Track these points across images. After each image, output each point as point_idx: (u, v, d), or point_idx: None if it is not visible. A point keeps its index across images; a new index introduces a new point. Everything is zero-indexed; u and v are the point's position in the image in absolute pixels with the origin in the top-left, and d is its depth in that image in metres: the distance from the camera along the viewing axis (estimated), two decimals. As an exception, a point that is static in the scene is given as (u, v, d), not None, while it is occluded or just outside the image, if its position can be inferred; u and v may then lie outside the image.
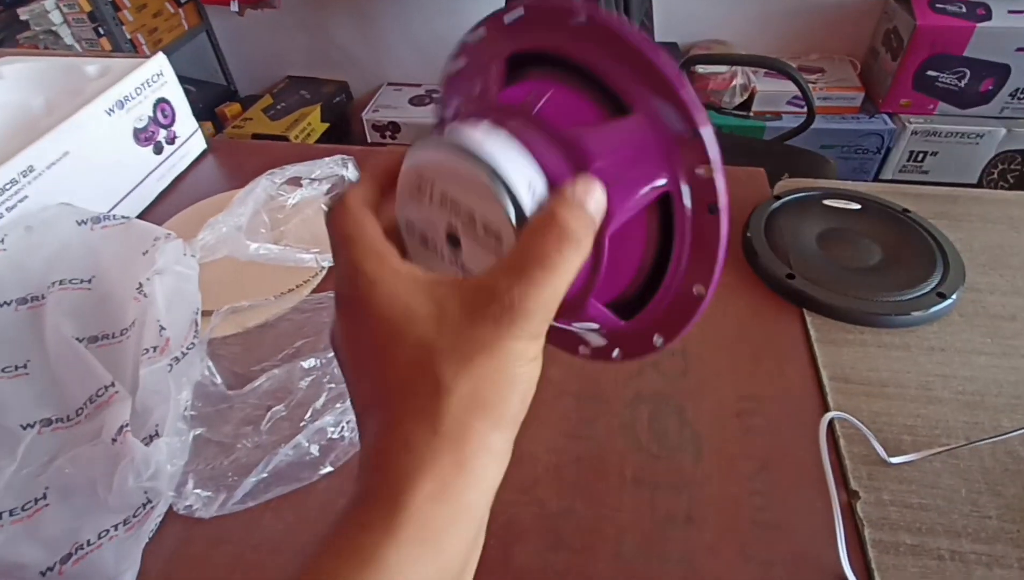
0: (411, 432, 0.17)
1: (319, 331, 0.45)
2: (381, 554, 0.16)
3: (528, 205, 0.19)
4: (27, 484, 0.39)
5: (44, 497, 0.39)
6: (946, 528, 0.37)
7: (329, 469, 0.40)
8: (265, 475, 0.38)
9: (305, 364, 0.42)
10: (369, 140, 1.97)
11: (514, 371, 0.18)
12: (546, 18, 0.21)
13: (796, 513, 0.38)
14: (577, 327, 0.24)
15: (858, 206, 0.58)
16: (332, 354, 0.44)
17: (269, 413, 0.41)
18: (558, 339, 0.25)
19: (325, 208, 0.21)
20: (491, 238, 0.19)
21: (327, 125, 1.97)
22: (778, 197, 0.59)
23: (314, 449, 0.40)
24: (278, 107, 1.94)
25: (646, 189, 0.20)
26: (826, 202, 0.58)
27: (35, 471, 0.40)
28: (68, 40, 1.61)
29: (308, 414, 0.40)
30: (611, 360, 0.24)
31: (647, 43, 0.20)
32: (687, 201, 0.20)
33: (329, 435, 0.40)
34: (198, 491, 0.38)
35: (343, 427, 0.40)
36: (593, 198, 0.19)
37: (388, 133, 1.96)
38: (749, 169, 0.66)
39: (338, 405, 0.40)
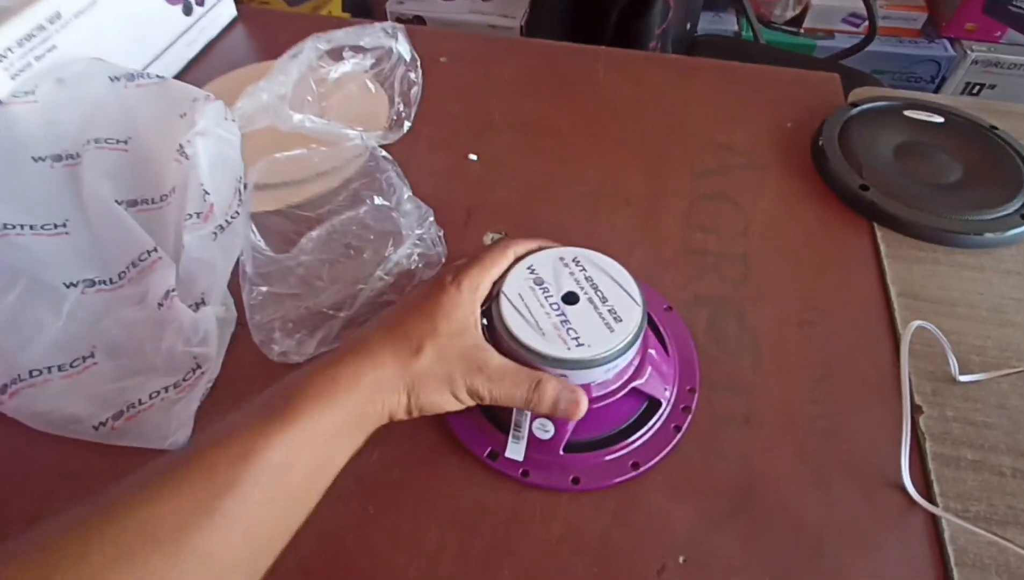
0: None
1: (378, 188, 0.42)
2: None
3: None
4: (73, 342, 0.38)
5: (92, 355, 0.38)
6: (1010, 447, 0.36)
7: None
8: (351, 313, 0.38)
9: (361, 211, 0.40)
10: (392, 35, 1.86)
11: None
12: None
13: (855, 422, 0.37)
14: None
15: (941, 120, 0.53)
16: (383, 200, 0.42)
17: (330, 262, 0.40)
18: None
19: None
20: (611, 316, 0.32)
21: (348, 15, 1.86)
22: (854, 104, 0.55)
23: (388, 281, 0.39)
24: (297, -9, 1.82)
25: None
26: (907, 113, 0.54)
27: (81, 330, 0.39)
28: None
29: (376, 253, 0.40)
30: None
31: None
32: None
33: (402, 267, 0.40)
34: (288, 338, 0.37)
35: (414, 257, 0.40)
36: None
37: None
38: (821, 73, 0.61)
39: (412, 233, 0.39)
